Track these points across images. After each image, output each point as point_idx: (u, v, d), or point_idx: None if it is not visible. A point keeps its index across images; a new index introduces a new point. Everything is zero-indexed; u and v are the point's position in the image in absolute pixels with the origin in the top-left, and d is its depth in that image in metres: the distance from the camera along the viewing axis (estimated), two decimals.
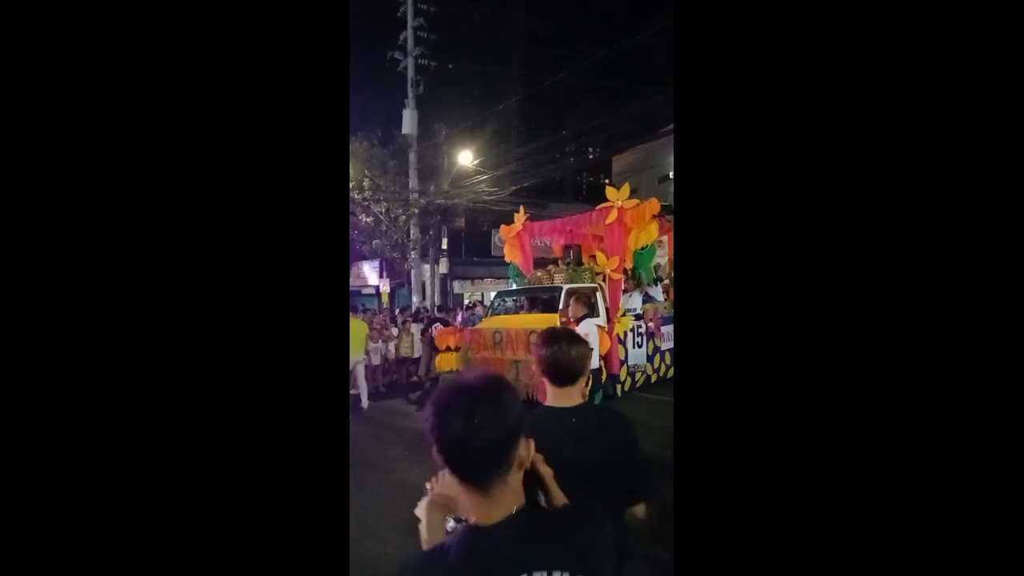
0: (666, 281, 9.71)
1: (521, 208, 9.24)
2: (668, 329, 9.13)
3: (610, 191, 8.05)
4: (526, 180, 19.55)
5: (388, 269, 19.00)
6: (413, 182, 16.95)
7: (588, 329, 5.99)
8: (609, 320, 7.90)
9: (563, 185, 21.22)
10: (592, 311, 8.20)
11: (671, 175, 25.45)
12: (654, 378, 8.66)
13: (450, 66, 18.87)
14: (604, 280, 8.17)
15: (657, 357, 8.86)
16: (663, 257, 9.65)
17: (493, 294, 12.76)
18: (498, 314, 8.70)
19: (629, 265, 8.21)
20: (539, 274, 8.84)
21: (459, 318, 10.74)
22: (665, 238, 9.62)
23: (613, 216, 7.92)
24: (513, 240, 9.11)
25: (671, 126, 20.23)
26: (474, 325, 8.67)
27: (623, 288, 9.05)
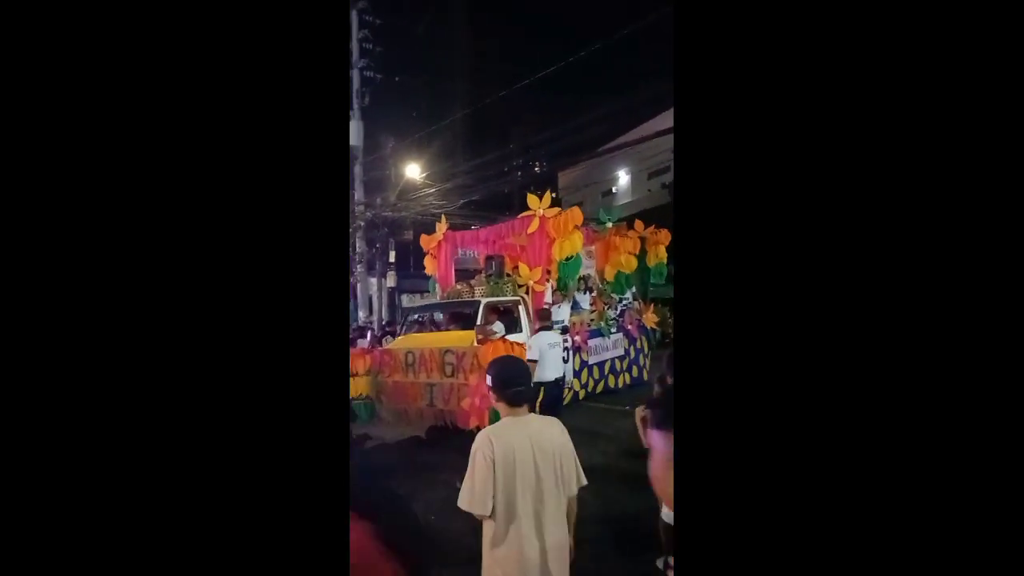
0: (595, 292, 8.92)
1: (443, 217, 8.32)
2: (596, 343, 8.28)
3: (531, 199, 7.24)
4: (475, 193, 18.99)
5: None
6: (359, 194, 16.20)
7: (539, 344, 5.37)
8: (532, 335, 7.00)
9: (511, 198, 20.70)
10: (514, 326, 7.31)
11: (613, 190, 25.22)
12: (582, 394, 7.82)
13: (396, 79, 18.56)
14: (528, 292, 7.25)
15: (585, 372, 8.00)
16: (591, 268, 8.90)
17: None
18: (413, 332, 7.69)
19: (555, 277, 7.34)
20: (459, 287, 7.89)
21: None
22: (593, 248, 8.87)
23: (535, 225, 7.11)
24: (434, 251, 8.16)
25: (612, 143, 20.39)
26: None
27: (551, 301, 8.26)
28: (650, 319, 9.67)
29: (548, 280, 7.67)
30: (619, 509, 4.05)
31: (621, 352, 8.97)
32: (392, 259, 19.35)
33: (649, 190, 23.10)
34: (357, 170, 16.24)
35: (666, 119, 17.45)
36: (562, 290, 8.00)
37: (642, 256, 9.51)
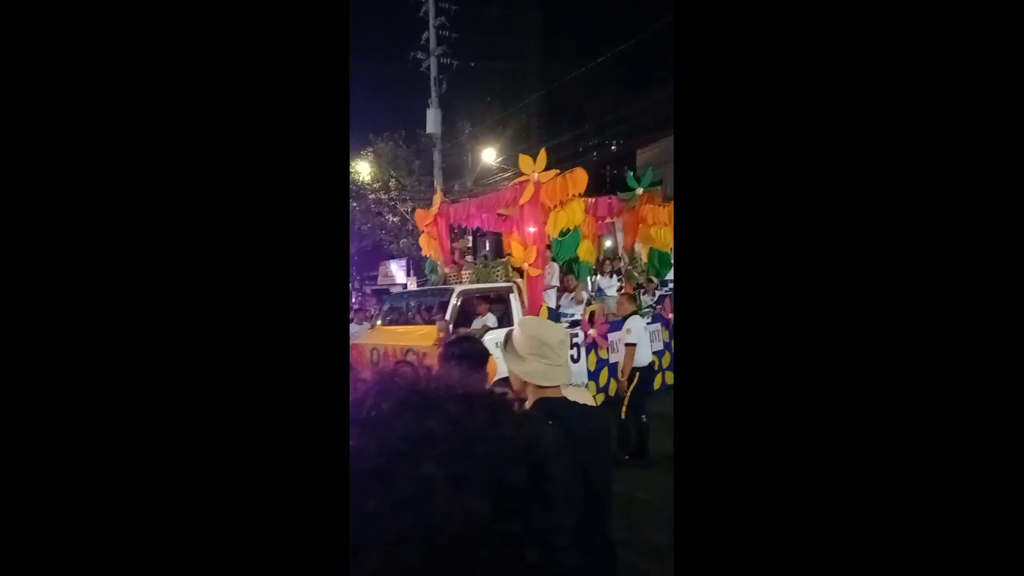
0: (623, 275, 6.81)
1: (438, 190, 6.57)
2: (621, 337, 6.21)
3: (524, 161, 5.27)
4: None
5: (415, 267, 17.73)
6: (438, 181, 15.51)
7: (637, 327, 4.75)
8: None
9: (589, 178, 18.80)
10: (504, 318, 5.47)
11: None
12: (599, 399, 5.77)
13: (472, 64, 17.89)
14: (524, 276, 5.37)
15: (605, 373, 5.98)
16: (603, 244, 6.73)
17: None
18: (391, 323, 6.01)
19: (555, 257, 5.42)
20: (447, 271, 6.12)
21: None
22: (619, 220, 6.72)
23: (528, 194, 5.17)
24: (430, 228, 6.43)
25: None
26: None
27: (567, 286, 6.29)
28: None
29: (553, 262, 5.73)
30: None
31: (660, 347, 6.77)
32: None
33: None
34: (436, 157, 15.82)
35: None
36: (574, 274, 6.01)
37: None
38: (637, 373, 4.68)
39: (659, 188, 6.79)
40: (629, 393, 4.65)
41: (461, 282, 5.79)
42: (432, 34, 15.35)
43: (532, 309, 5.40)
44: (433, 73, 15.29)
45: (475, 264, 5.94)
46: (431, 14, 15.31)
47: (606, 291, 6.92)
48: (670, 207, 6.67)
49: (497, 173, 17.16)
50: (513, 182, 5.56)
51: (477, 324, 5.58)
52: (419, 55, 15.59)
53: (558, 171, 5.37)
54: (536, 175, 5.24)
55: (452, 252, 6.57)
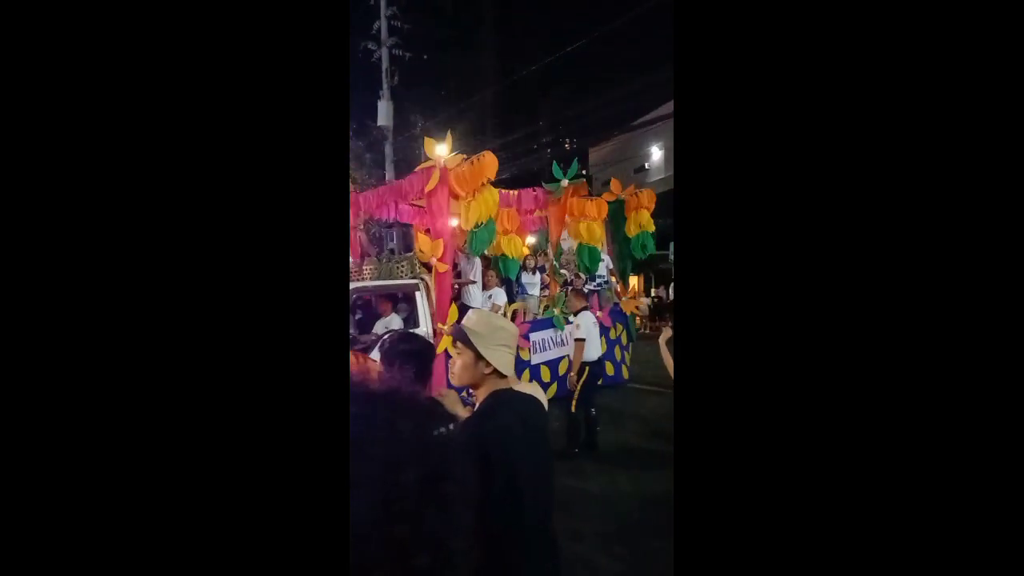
0: (547, 271, 6.22)
1: (352, 177, 5.86)
2: (544, 336, 5.63)
3: (428, 143, 4.59)
4: (504, 171, 16.81)
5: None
6: (390, 174, 14.69)
7: (586, 323, 4.68)
8: (435, 333, 4.48)
9: (541, 176, 18.68)
10: (410, 319, 4.81)
11: (646, 166, 21.91)
12: None
13: (425, 56, 17.14)
14: (432, 272, 4.72)
15: (526, 375, 5.40)
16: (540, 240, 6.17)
17: None
18: None
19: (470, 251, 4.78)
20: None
21: None
22: (547, 214, 6.14)
23: (434, 180, 4.49)
24: None
25: (645, 117, 17.51)
26: None
27: (487, 283, 5.68)
28: (630, 304, 6.71)
29: (465, 254, 5.07)
30: (646, 489, 3.78)
31: None
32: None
33: None
34: (388, 150, 14.95)
35: None
36: (499, 270, 5.38)
37: (619, 224, 6.63)
38: (587, 367, 4.64)
39: (584, 180, 6.19)
40: (579, 387, 4.61)
41: (363, 278, 5.08)
42: (383, 24, 14.43)
43: (440, 308, 4.75)
44: (385, 64, 14.42)
45: (379, 259, 5.21)
46: (382, 3, 14.40)
47: (529, 289, 6.35)
48: (598, 201, 6.17)
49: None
50: (419, 167, 4.87)
51: (379, 327, 4.91)
52: (370, 45, 14.71)
53: (465, 156, 4.71)
54: (443, 160, 4.58)
55: (358, 245, 5.84)
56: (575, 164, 6.05)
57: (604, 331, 6.10)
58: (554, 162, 6.03)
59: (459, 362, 1.41)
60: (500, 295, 5.76)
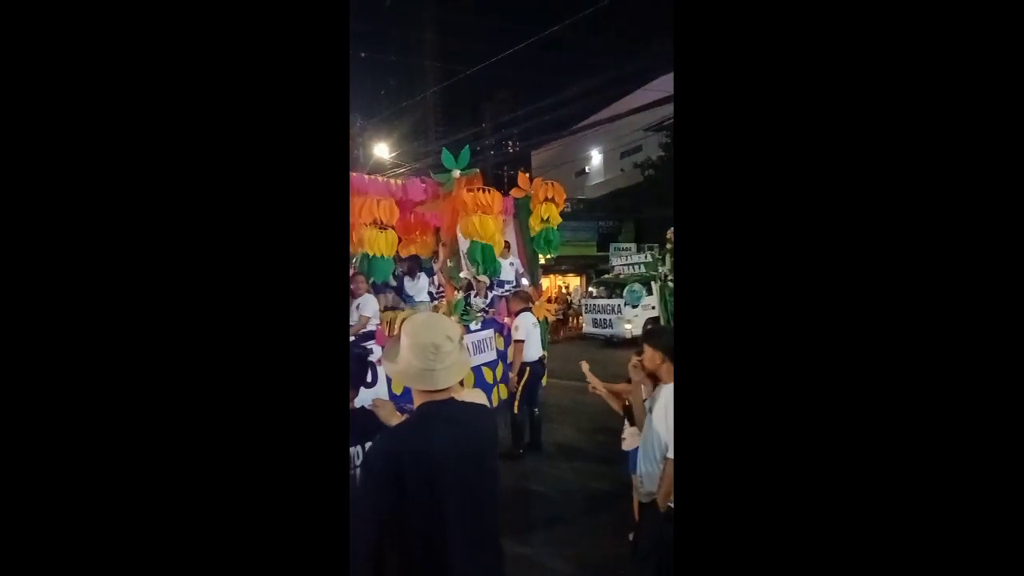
0: (435, 273, 5.70)
1: None
2: (482, 337, 5.23)
3: None
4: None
5: None
6: None
7: (525, 324, 4.54)
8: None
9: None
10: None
11: (586, 169, 22.16)
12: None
13: (362, 55, 16.35)
14: None
15: (470, 379, 5.01)
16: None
17: None
18: None
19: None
20: None
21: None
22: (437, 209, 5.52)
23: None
24: None
25: (585, 121, 17.65)
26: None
27: (354, 291, 4.72)
28: (543, 308, 5.61)
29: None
30: (593, 486, 3.75)
31: (492, 356, 5.01)
32: None
33: (622, 170, 20.31)
34: None
35: (638, 98, 15.92)
36: (366, 272, 4.61)
37: (525, 219, 5.82)
38: (527, 368, 4.54)
39: (478, 172, 5.48)
40: (520, 388, 4.50)
41: None
42: None
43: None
44: None
45: None
46: None
47: (415, 296, 5.33)
48: (495, 195, 5.18)
49: (392, 168, 16.18)
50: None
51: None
52: None
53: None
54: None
55: None
56: (466, 151, 5.18)
57: (510, 339, 4.99)
58: (443, 148, 5.41)
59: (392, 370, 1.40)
60: (368, 303, 4.45)
